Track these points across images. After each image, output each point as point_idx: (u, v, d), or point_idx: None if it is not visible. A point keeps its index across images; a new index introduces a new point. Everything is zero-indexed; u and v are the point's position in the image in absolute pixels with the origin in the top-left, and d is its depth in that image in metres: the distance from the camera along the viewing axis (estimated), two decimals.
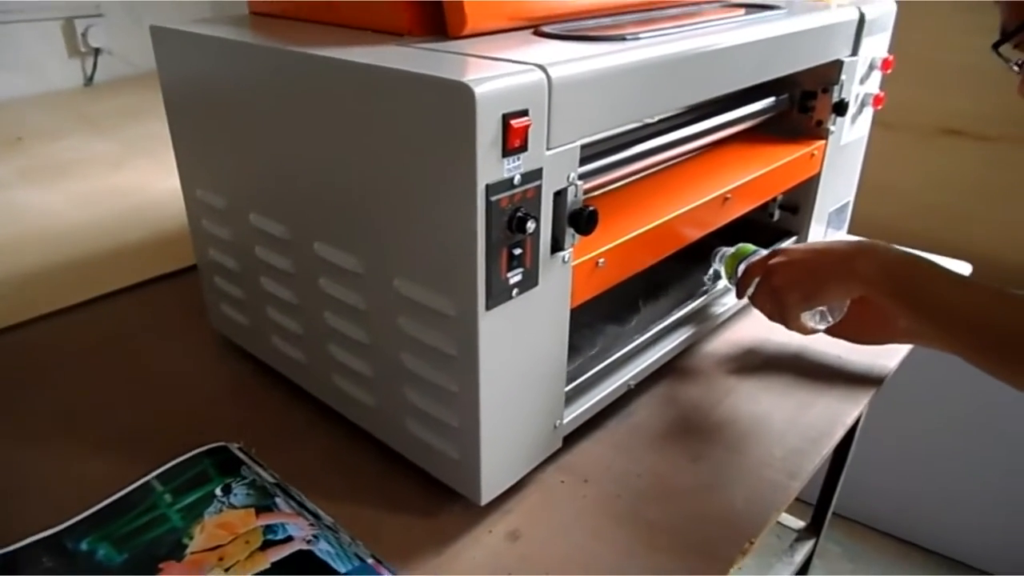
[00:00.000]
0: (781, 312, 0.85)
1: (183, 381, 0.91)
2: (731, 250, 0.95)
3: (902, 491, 1.79)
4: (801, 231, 1.10)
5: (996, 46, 0.74)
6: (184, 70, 0.82)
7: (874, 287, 0.76)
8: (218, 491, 0.72)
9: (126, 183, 1.46)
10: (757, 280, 0.88)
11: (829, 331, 0.90)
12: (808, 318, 0.85)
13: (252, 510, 0.70)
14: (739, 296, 0.92)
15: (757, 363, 0.95)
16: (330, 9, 0.77)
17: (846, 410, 0.86)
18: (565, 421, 0.77)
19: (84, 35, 2.02)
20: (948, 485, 1.73)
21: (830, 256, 0.80)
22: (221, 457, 0.76)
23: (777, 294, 0.84)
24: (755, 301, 0.89)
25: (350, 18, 0.75)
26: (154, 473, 0.75)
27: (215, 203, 0.86)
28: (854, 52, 1.00)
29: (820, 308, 0.85)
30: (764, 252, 0.91)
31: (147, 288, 1.13)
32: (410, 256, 0.65)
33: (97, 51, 2.05)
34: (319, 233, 0.74)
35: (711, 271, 0.98)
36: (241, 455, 0.77)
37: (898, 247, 0.77)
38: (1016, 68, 0.75)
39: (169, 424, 0.83)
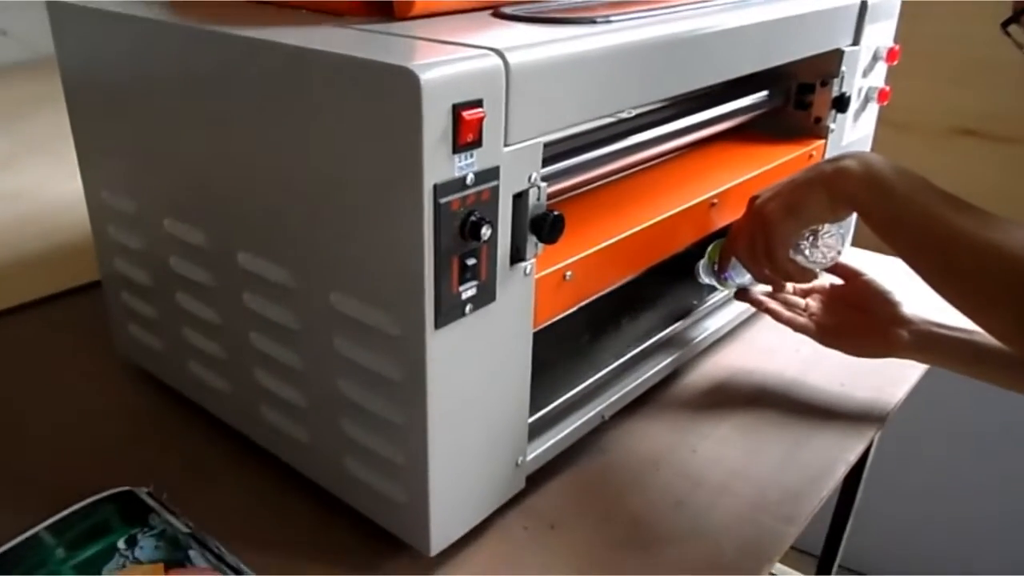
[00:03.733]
0: (764, 239, 0.83)
1: (83, 416, 0.90)
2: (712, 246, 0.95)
3: (921, 540, 1.81)
4: None
5: (1005, 25, 0.76)
6: (87, 53, 0.82)
7: (864, 192, 0.75)
8: (121, 544, 0.71)
9: (17, 185, 1.44)
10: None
11: (824, 340, 0.91)
12: (796, 253, 0.84)
13: (161, 565, 0.69)
14: (720, 271, 0.91)
15: (749, 392, 0.96)
16: None
17: (849, 446, 0.87)
18: (529, 458, 0.76)
19: None
20: (976, 531, 1.74)
21: (815, 167, 0.80)
22: (126, 503, 0.75)
23: (756, 216, 0.83)
24: (734, 243, 0.88)
25: None
26: (45, 523, 0.73)
27: (123, 207, 0.85)
28: (855, 41, 1.02)
29: (808, 235, 0.84)
30: None
31: (40, 308, 1.11)
32: (348, 267, 0.65)
33: None
34: (244, 241, 0.74)
35: (700, 267, 0.97)
36: (150, 501, 0.76)
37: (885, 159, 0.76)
38: None
39: (65, 466, 0.82)
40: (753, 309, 1.03)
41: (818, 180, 0.79)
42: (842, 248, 0.86)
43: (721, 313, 1.02)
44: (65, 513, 0.74)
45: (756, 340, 1.05)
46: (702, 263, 0.95)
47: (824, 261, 0.86)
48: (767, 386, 0.97)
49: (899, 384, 0.97)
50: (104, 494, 0.76)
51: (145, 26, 0.74)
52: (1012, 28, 0.76)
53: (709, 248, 0.94)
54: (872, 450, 1.21)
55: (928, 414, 1.60)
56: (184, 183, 0.78)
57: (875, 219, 0.76)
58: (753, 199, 0.86)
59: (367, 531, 0.74)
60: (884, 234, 0.76)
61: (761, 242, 0.84)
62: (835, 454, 0.86)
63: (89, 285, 1.13)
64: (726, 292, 0.99)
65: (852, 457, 0.86)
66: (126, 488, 0.77)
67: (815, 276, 0.87)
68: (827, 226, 0.85)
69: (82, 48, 0.82)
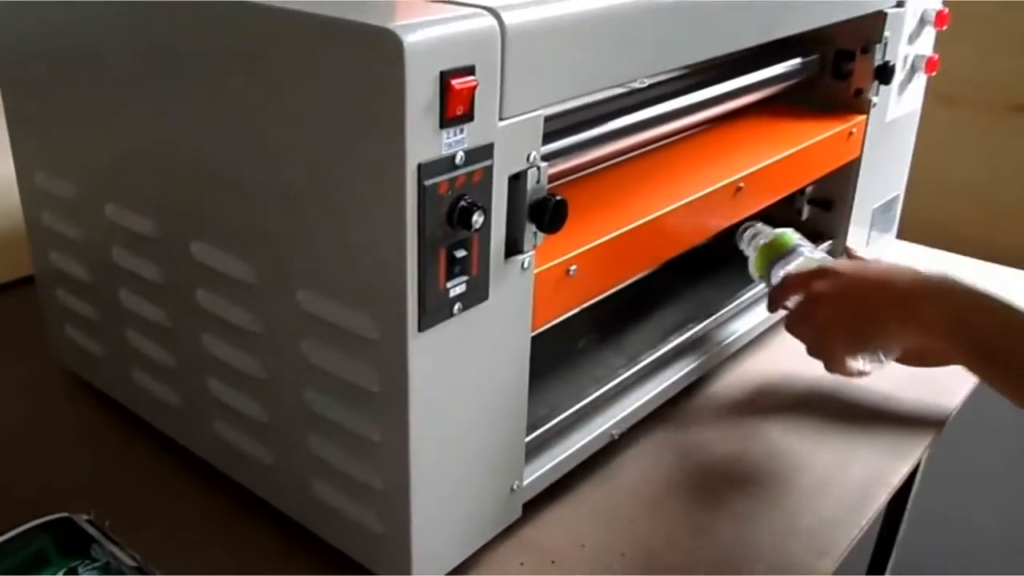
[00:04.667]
0: (823, 352, 0.87)
1: (12, 431, 0.90)
2: (766, 237, 0.95)
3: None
4: (837, 233, 1.11)
5: None
6: (20, 18, 0.81)
7: (941, 339, 0.80)
8: None
9: None
10: (797, 300, 0.88)
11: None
12: (854, 359, 0.87)
13: None
14: (771, 309, 0.93)
15: (780, 405, 0.96)
16: None
17: (894, 467, 0.87)
18: (525, 483, 0.76)
19: None
20: None
21: (889, 294, 0.83)
22: (64, 533, 0.75)
23: (821, 333, 0.87)
24: (791, 328, 0.89)
25: None
26: None
27: (61, 191, 0.85)
28: (900, 2, 1.02)
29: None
30: (809, 252, 0.92)
31: None
32: (319, 261, 0.64)
33: None
34: (198, 230, 0.73)
35: (745, 237, 0.97)
36: (91, 529, 0.75)
37: (974, 286, 0.79)
38: None
39: None
40: (786, 310, 1.03)
41: (892, 321, 0.82)
42: (901, 349, 0.88)
43: (750, 314, 1.02)
44: None
45: (789, 346, 1.04)
46: (752, 257, 0.95)
47: (881, 364, 0.88)
48: (800, 399, 0.97)
49: (951, 395, 0.97)
50: (38, 522, 0.75)
51: None
52: None
53: (758, 251, 0.94)
54: (920, 471, 1.21)
55: (985, 429, 1.59)
56: (130, 163, 0.77)
57: (959, 360, 0.81)
58: (818, 273, 0.87)
59: (337, 565, 0.73)
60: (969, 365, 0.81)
61: (819, 355, 0.88)
62: (877, 476, 0.86)
63: (20, 281, 1.13)
64: (756, 289, 0.99)
65: (896, 480, 0.86)
66: (63, 515, 0.76)
67: (868, 374, 0.89)
68: None
69: (14, 12, 0.81)
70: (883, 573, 1.27)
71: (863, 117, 1.05)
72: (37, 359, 0.98)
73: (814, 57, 1.05)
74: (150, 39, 0.70)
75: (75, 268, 0.87)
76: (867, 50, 1.02)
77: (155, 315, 0.80)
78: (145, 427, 0.87)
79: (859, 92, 1.05)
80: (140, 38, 0.71)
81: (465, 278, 0.62)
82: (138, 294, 0.81)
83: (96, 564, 0.72)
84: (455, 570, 0.72)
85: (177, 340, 0.80)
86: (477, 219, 0.59)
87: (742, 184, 0.89)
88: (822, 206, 1.11)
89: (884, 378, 0.97)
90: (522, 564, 0.75)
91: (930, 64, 1.10)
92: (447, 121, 0.57)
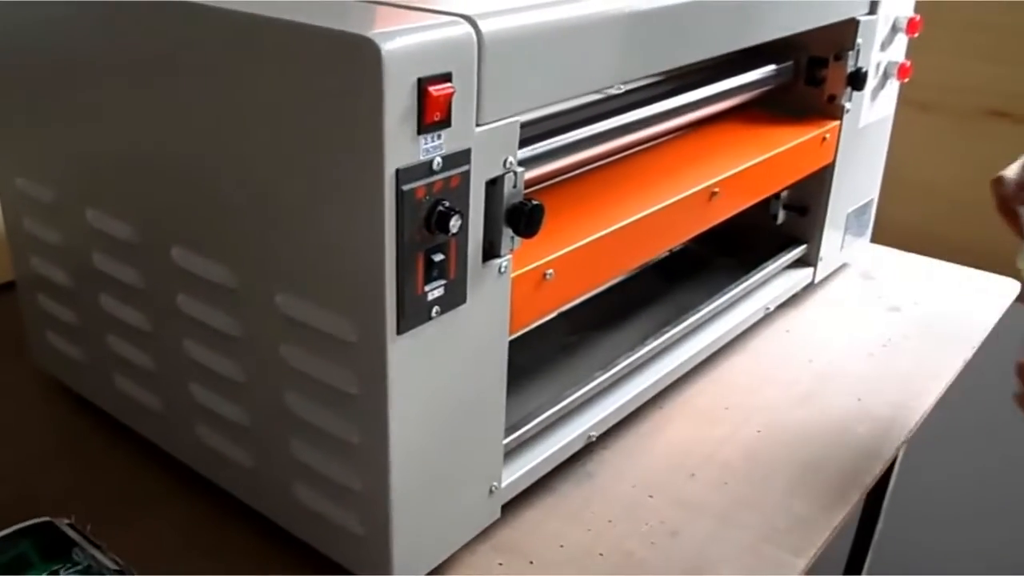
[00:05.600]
0: None
1: None
2: None
3: (951, 572, 1.82)
4: (812, 237, 1.12)
5: None
6: None
7: None
8: None
9: None
10: None
11: None
12: None
13: None
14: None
15: (755, 408, 0.96)
16: None
17: (866, 467, 0.88)
18: (504, 484, 0.76)
19: None
20: (1017, 562, 1.75)
21: None
22: (45, 537, 0.74)
23: None
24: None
25: None
26: None
27: (40, 195, 0.85)
28: (872, 9, 1.03)
29: None
30: None
31: None
32: (297, 265, 0.65)
33: None
34: (178, 235, 0.73)
35: None
36: (72, 533, 0.75)
37: None
38: None
39: None
40: (762, 314, 1.04)
41: None
42: None
43: (725, 318, 1.03)
44: None
45: (764, 349, 1.06)
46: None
47: None
48: (776, 401, 0.97)
49: (923, 397, 0.98)
50: (20, 526, 0.75)
51: None
52: None
53: None
54: (895, 472, 1.22)
55: (960, 428, 1.61)
56: (110, 169, 0.77)
57: None
58: None
59: (318, 567, 0.73)
60: None
61: None
62: (851, 477, 0.86)
63: (2, 286, 1.12)
64: (730, 294, 1.00)
65: (869, 480, 0.86)
66: (45, 519, 0.76)
67: None
68: None
69: None
70: (860, 573, 1.28)
71: (836, 123, 1.06)
72: (17, 364, 0.98)
73: (788, 64, 1.06)
74: (128, 45, 0.70)
75: (56, 273, 0.87)
76: (840, 57, 1.03)
77: (136, 320, 0.80)
78: (126, 432, 0.87)
79: (832, 98, 1.06)
80: (118, 44, 0.71)
81: (443, 282, 0.62)
82: (119, 299, 0.81)
83: (78, 568, 0.71)
84: (435, 571, 0.73)
85: (158, 345, 0.79)
86: (455, 224, 0.60)
87: (717, 189, 0.89)
88: (797, 211, 1.12)
89: (858, 383, 0.98)
90: (501, 564, 0.76)
91: (902, 71, 1.11)
92: (425, 127, 0.57)
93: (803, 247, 1.13)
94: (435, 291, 0.62)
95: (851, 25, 1.01)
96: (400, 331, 0.61)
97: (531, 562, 0.76)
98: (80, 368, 0.90)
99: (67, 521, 0.76)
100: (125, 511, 0.80)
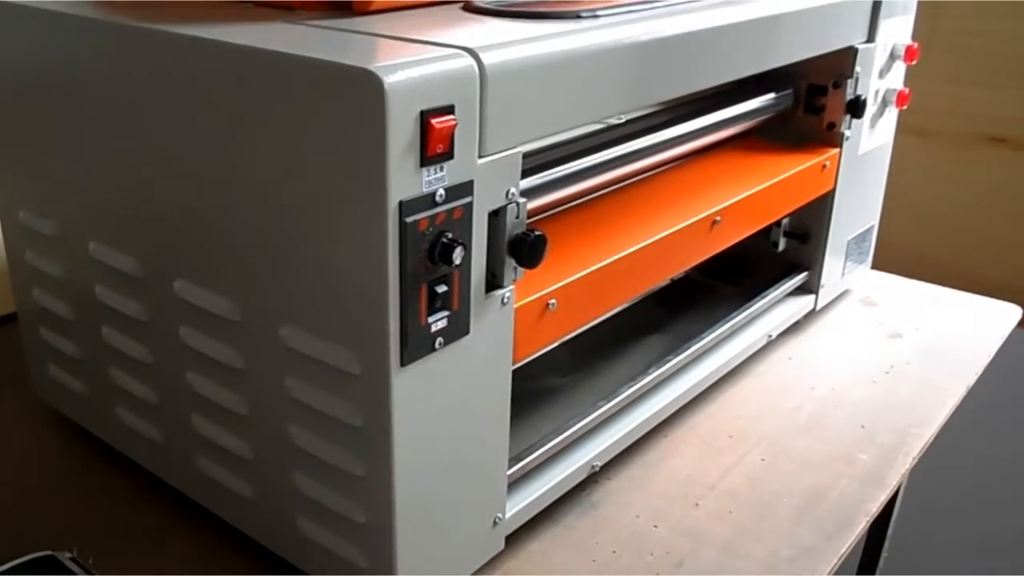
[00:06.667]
0: None
1: None
2: None
3: None
4: (814, 264, 1.12)
5: None
6: (1, 52, 0.81)
7: None
8: None
9: None
10: None
11: None
12: None
13: None
14: None
15: (759, 436, 0.96)
16: None
17: (871, 495, 0.88)
18: (508, 515, 0.76)
19: None
20: None
21: None
22: (47, 571, 0.74)
23: None
24: None
25: None
26: None
27: (43, 228, 0.85)
28: (870, 38, 1.04)
29: None
30: None
31: None
32: (301, 297, 0.65)
33: None
34: (181, 268, 0.73)
35: None
36: (74, 567, 0.75)
37: None
38: None
39: None
40: (764, 341, 1.04)
41: None
42: None
43: (728, 346, 1.03)
44: None
45: (767, 376, 1.06)
46: None
47: None
48: (779, 429, 0.97)
49: (927, 425, 0.97)
50: (21, 560, 0.75)
51: (70, 23, 0.74)
52: None
53: None
54: (899, 499, 1.22)
55: (963, 455, 1.60)
56: (113, 201, 0.77)
57: None
58: None
59: None
60: None
61: None
62: (855, 505, 0.86)
63: (3, 318, 1.12)
64: (733, 322, 1.00)
65: (874, 507, 0.86)
66: (47, 552, 0.76)
67: None
68: None
69: None
70: None
71: (836, 150, 1.06)
72: (19, 396, 0.98)
73: (787, 92, 1.06)
74: (131, 79, 0.70)
75: (58, 305, 0.87)
76: (839, 85, 1.04)
77: (138, 352, 0.80)
78: (127, 464, 0.87)
79: (832, 126, 1.06)
80: (121, 78, 0.71)
81: (446, 313, 0.62)
82: (121, 331, 0.81)
83: None
84: None
85: (160, 377, 0.79)
86: (458, 255, 0.60)
87: (719, 217, 0.89)
88: (798, 238, 1.12)
89: (861, 410, 0.98)
90: None
91: (901, 98, 1.11)
92: (427, 159, 0.58)
93: (804, 274, 1.13)
94: (438, 323, 0.62)
95: (849, 53, 1.02)
96: (404, 363, 0.61)
97: None
98: (81, 400, 0.90)
99: (69, 555, 0.76)
100: (126, 544, 0.80)
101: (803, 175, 1.01)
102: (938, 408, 0.99)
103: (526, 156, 0.66)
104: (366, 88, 0.54)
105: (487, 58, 0.60)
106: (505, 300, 0.67)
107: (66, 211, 0.82)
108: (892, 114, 1.14)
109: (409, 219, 0.58)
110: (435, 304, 0.61)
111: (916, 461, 0.93)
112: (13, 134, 0.85)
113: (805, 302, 1.13)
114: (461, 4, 0.76)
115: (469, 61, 0.60)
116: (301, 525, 0.72)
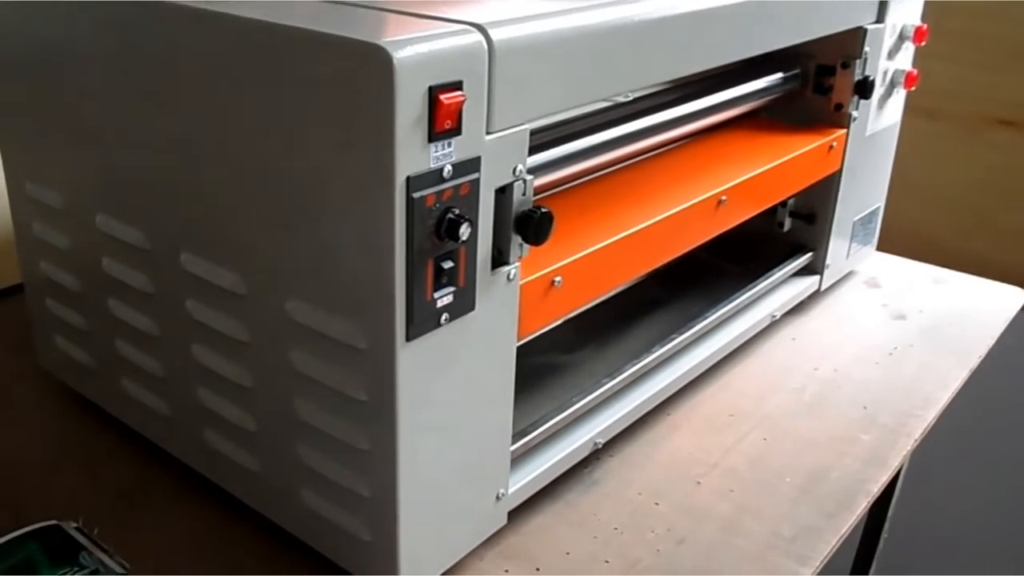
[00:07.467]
0: None
1: (1, 440, 0.89)
2: None
3: None
4: (819, 245, 1.12)
5: None
6: (9, 24, 0.81)
7: None
8: None
9: None
10: None
11: None
12: None
13: None
14: None
15: (761, 416, 0.96)
16: None
17: (872, 475, 0.88)
18: (511, 491, 0.76)
19: None
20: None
21: None
22: (53, 540, 0.75)
23: None
24: None
25: None
26: None
27: (50, 201, 0.85)
28: (879, 18, 1.03)
29: None
30: None
31: None
32: (307, 271, 0.65)
33: None
34: (187, 241, 0.73)
35: None
36: (80, 537, 0.75)
37: None
38: None
39: None
40: (768, 322, 1.04)
41: None
42: None
43: (731, 326, 1.03)
44: None
45: (771, 356, 1.06)
46: None
47: None
48: (782, 409, 0.97)
49: (929, 407, 0.98)
50: (27, 529, 0.75)
51: None
52: None
53: None
54: (900, 480, 1.22)
55: (966, 436, 1.60)
56: (120, 174, 0.77)
57: None
58: None
59: (325, 572, 0.73)
60: None
61: None
62: (856, 485, 0.86)
63: (10, 289, 1.13)
64: (737, 302, 1.00)
65: (875, 488, 0.86)
66: (52, 522, 0.76)
67: None
68: None
69: (2, 18, 0.82)
70: None
71: (843, 131, 1.06)
72: (25, 368, 0.98)
73: (795, 72, 1.06)
74: (139, 52, 0.70)
75: (65, 278, 0.87)
76: (847, 65, 1.03)
77: (144, 325, 0.80)
78: (133, 436, 0.87)
79: (839, 106, 1.06)
80: (128, 50, 0.71)
81: (452, 289, 0.63)
82: (128, 304, 0.81)
83: (85, 571, 0.72)
84: None
85: (166, 350, 0.80)
86: (464, 231, 0.60)
87: (724, 197, 0.89)
88: (804, 219, 1.12)
89: (864, 391, 0.98)
90: (507, 572, 0.76)
91: (909, 79, 1.11)
92: (435, 135, 0.57)
93: (809, 255, 1.13)
94: (444, 298, 0.62)
95: (858, 34, 1.01)
96: (409, 338, 0.61)
97: (537, 569, 0.76)
98: (87, 372, 0.90)
99: (74, 524, 0.77)
100: (132, 515, 0.80)
101: (810, 155, 1.01)
102: (941, 390, 1.00)
103: (533, 133, 0.66)
104: (375, 63, 0.54)
105: (496, 34, 0.60)
106: (511, 277, 0.67)
107: (73, 183, 0.83)
108: (900, 95, 1.14)
109: (416, 195, 0.58)
110: (441, 280, 0.62)
111: (918, 443, 0.94)
112: (20, 106, 0.85)
113: (810, 283, 1.13)
114: None
115: (478, 37, 0.59)
116: (305, 497, 0.72)
